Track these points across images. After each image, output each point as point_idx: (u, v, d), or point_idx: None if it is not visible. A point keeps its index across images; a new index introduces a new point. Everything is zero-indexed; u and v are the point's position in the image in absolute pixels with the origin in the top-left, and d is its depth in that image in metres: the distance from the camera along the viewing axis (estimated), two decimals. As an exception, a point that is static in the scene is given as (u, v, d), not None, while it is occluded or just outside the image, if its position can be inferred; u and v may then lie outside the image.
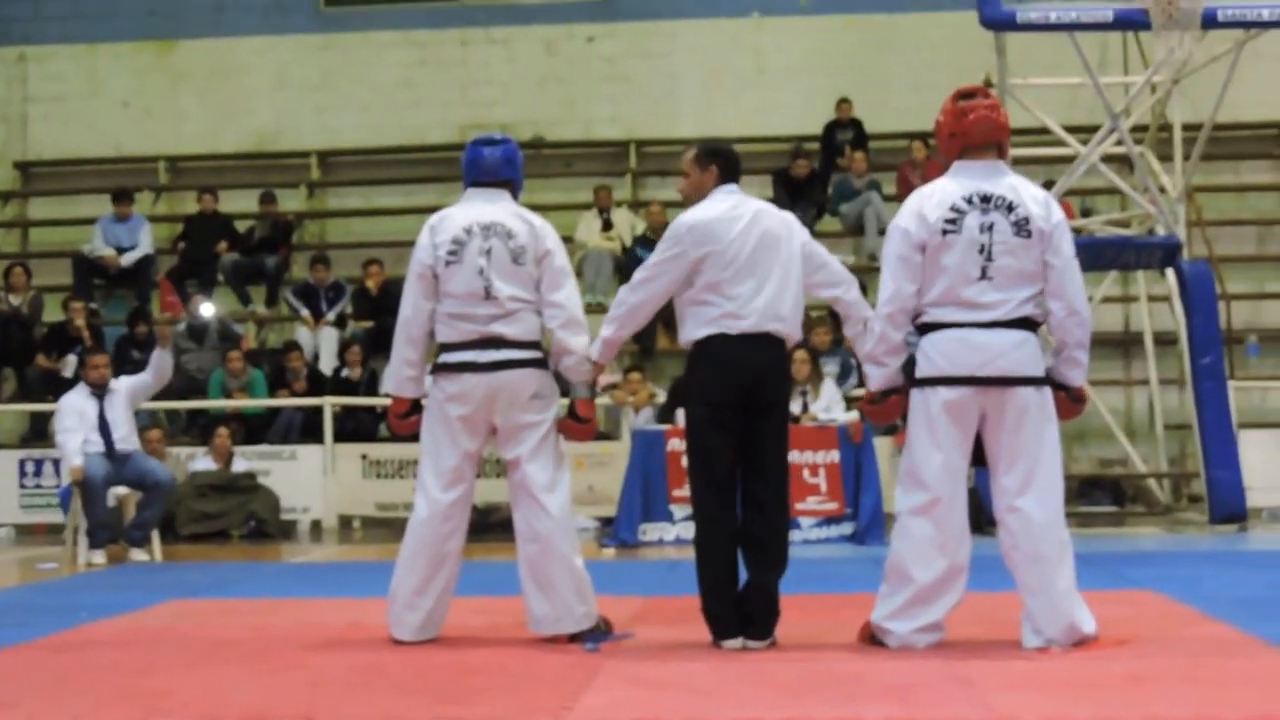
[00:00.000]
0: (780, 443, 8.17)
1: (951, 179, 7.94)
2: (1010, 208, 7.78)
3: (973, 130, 7.95)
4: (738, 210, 8.16)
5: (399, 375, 8.54)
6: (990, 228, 7.74)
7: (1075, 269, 7.89)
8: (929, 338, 7.84)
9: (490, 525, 15.18)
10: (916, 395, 7.89)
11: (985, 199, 7.79)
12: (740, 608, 8.00)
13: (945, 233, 7.75)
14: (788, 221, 8.28)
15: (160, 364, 14.64)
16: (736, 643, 7.94)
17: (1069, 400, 8.00)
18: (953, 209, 7.77)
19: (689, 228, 8.14)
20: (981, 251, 7.73)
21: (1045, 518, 7.79)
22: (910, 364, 7.91)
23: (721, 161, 8.36)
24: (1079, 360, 7.97)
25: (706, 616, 8.02)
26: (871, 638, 8.02)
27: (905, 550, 7.89)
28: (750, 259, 8.03)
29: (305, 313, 20.33)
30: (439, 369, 8.38)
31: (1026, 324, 7.81)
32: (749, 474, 8.09)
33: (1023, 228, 7.76)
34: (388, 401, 16.42)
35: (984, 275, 7.74)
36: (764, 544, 8.02)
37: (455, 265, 8.33)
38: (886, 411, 8.13)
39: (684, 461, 8.42)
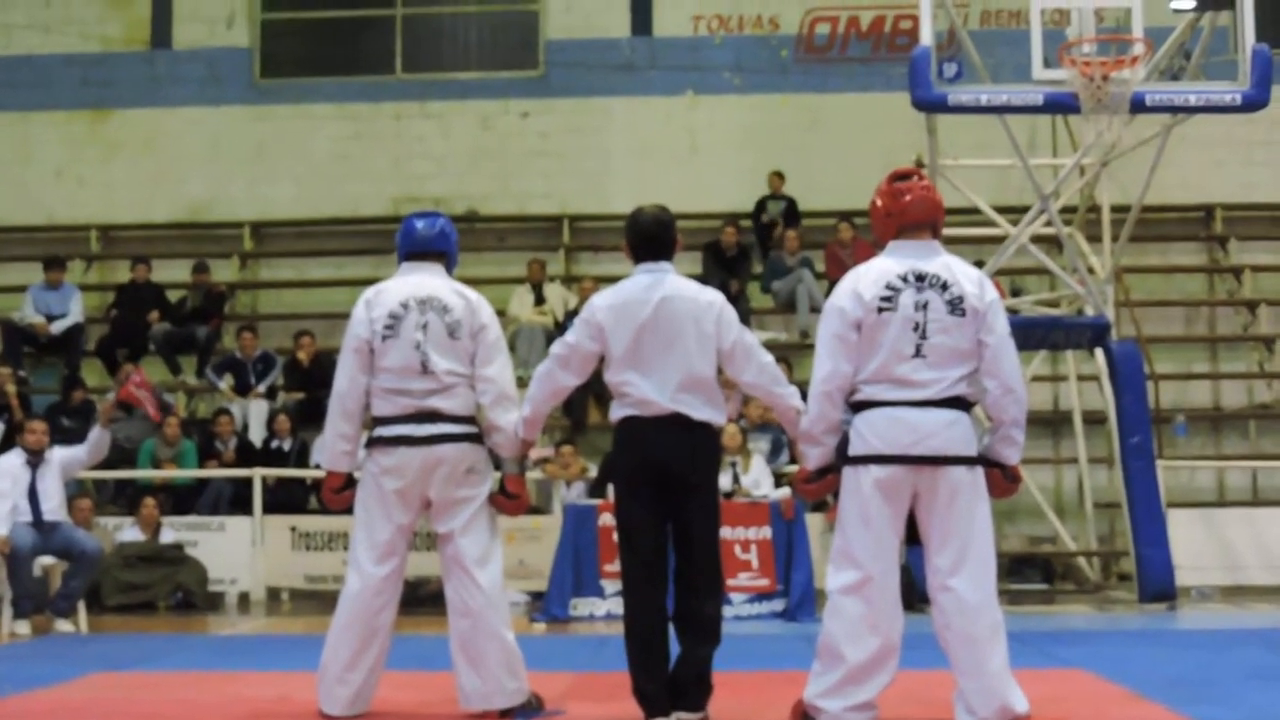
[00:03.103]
0: (707, 523, 8.09)
1: (887, 258, 7.96)
2: (945, 286, 7.81)
3: (910, 209, 7.99)
4: (647, 294, 8.06)
5: (334, 450, 8.46)
6: (925, 306, 7.76)
7: (1010, 347, 7.91)
8: (862, 416, 7.82)
9: (420, 599, 15.11)
10: (849, 473, 7.87)
11: (920, 277, 7.82)
12: (672, 685, 7.94)
13: (881, 310, 7.76)
14: (708, 305, 8.11)
15: (98, 442, 14.53)
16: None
17: (1004, 479, 7.99)
18: (888, 286, 7.79)
19: (595, 310, 8.12)
20: (916, 329, 7.74)
21: (978, 598, 7.77)
22: (843, 442, 7.93)
23: (629, 238, 8.31)
24: (1015, 439, 7.97)
25: (637, 695, 7.96)
26: (804, 716, 7.99)
27: (837, 629, 7.85)
28: (651, 347, 7.97)
29: (222, 385, 20.23)
30: (374, 442, 8.35)
31: (959, 403, 7.81)
32: (680, 554, 8.05)
33: (956, 306, 7.78)
34: (319, 473, 16.35)
35: (918, 353, 7.74)
36: (695, 622, 7.98)
37: (392, 339, 8.31)
38: (821, 490, 8.10)
39: (615, 537, 8.38)
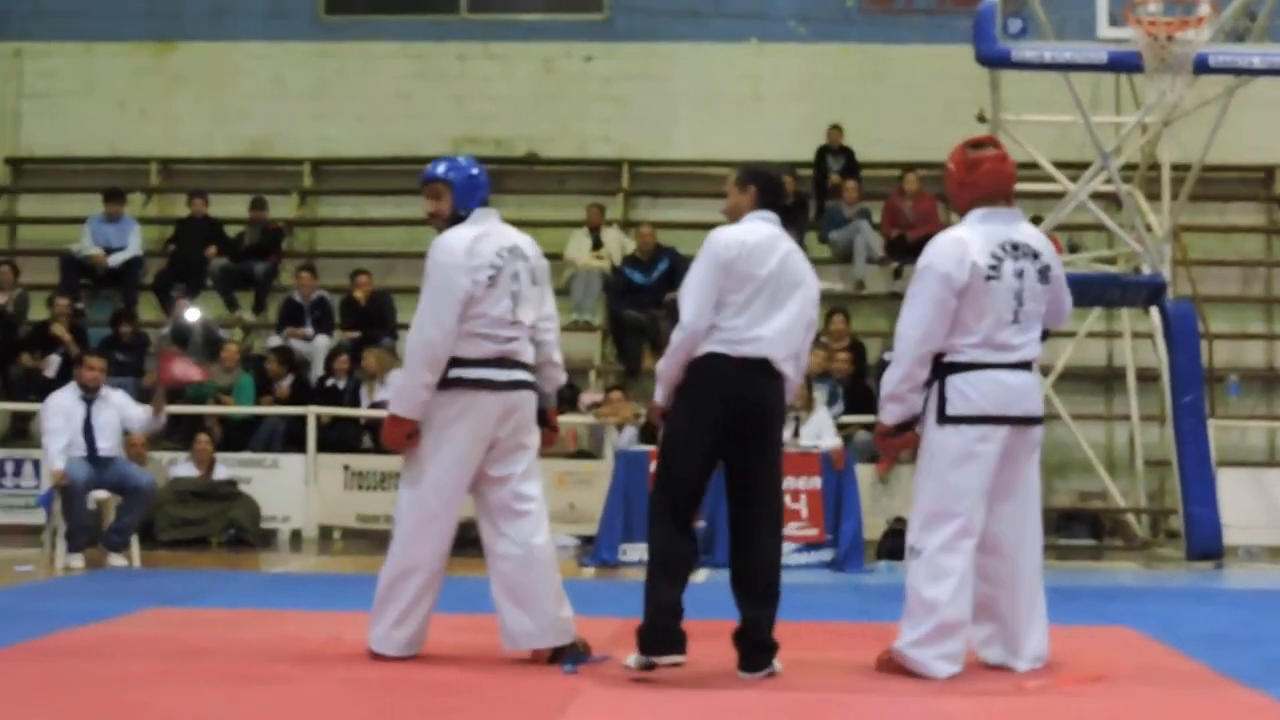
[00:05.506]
0: (776, 476, 8.23)
1: (981, 224, 8.16)
2: (1035, 255, 8.13)
3: (983, 182, 8.22)
4: (775, 243, 8.08)
5: (415, 398, 8.33)
6: (1021, 274, 8.06)
7: None
8: (962, 377, 8.02)
9: (471, 540, 15.20)
10: (945, 432, 8.03)
11: (1015, 246, 8.10)
12: (738, 646, 8.01)
13: (989, 278, 7.98)
14: (813, 275, 8.27)
15: (151, 426, 14.84)
16: (678, 659, 7.88)
17: None
18: (993, 256, 8.02)
19: (727, 245, 8.03)
20: (1015, 297, 8.02)
21: (1036, 547, 8.25)
22: (940, 401, 8.09)
23: (761, 184, 8.32)
24: None
25: (652, 631, 7.89)
26: (895, 665, 8.12)
27: (932, 584, 7.98)
28: (775, 292, 7.98)
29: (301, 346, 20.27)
30: (451, 384, 8.31)
31: (1032, 365, 8.16)
32: (742, 505, 8.10)
33: (1045, 275, 8.14)
34: (373, 414, 16.42)
35: (1015, 319, 8.03)
36: (756, 579, 8.02)
37: (492, 289, 8.31)
38: (903, 444, 8.25)
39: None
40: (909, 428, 8.14)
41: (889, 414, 8.15)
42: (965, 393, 7.99)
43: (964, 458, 7.98)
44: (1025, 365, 8.09)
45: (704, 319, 7.92)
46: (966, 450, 7.97)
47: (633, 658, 7.94)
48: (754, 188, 8.31)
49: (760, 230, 8.12)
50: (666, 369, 8.08)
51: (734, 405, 7.94)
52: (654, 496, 8.15)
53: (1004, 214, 8.20)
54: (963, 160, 8.28)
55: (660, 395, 8.21)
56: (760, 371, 7.97)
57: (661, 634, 7.89)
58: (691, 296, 7.99)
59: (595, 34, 23.29)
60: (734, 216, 8.30)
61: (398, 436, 8.44)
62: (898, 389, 8.07)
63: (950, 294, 7.94)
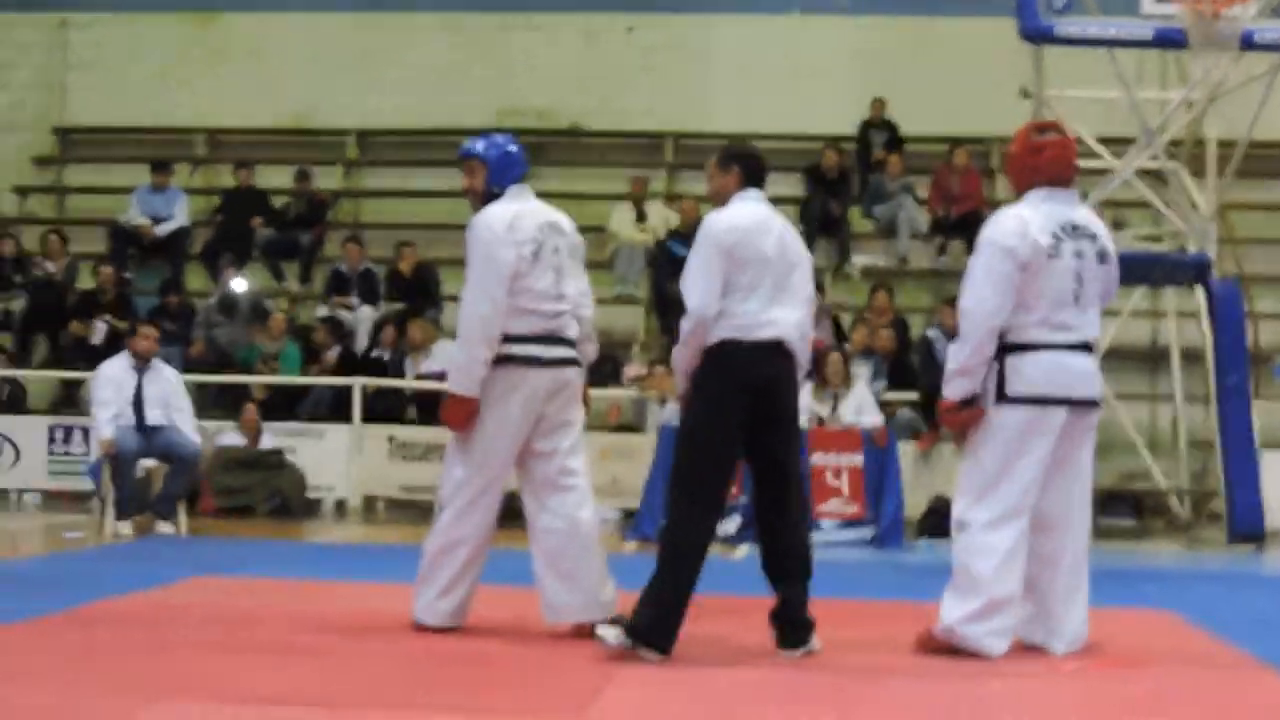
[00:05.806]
0: (796, 454, 8.24)
1: (1043, 204, 8.20)
2: (1093, 237, 8.19)
3: (1045, 167, 8.27)
4: (768, 223, 8.08)
5: (473, 375, 8.35)
6: (1080, 255, 8.11)
7: None
8: (1023, 357, 8.06)
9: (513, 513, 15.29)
10: (1004, 410, 8.06)
11: (1075, 228, 8.15)
12: (776, 625, 8.05)
13: (1050, 257, 8.02)
14: (803, 244, 8.29)
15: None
16: (660, 656, 7.82)
17: None
18: (1053, 235, 8.06)
19: (727, 229, 7.99)
20: (1075, 278, 8.08)
21: (1086, 531, 8.34)
22: (999, 380, 8.09)
23: (744, 164, 8.27)
24: None
25: (645, 621, 7.83)
26: (936, 644, 8.13)
27: (979, 562, 8.01)
28: (777, 273, 7.98)
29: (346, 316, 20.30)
30: (501, 361, 8.34)
31: (1092, 346, 8.25)
32: (773, 486, 8.10)
33: (1104, 256, 8.22)
34: (420, 385, 16.45)
35: (1075, 300, 8.10)
36: (788, 556, 8.06)
37: (536, 263, 8.37)
38: (970, 419, 8.15)
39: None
40: (973, 403, 8.14)
41: (958, 388, 8.13)
42: (1025, 373, 8.03)
43: (1020, 437, 8.02)
44: (1085, 347, 8.16)
45: (712, 305, 7.88)
46: (1023, 429, 8.02)
47: (614, 634, 7.89)
48: (738, 167, 8.27)
49: (752, 211, 8.12)
50: (681, 358, 8.08)
51: (753, 390, 7.93)
52: (675, 486, 8.08)
53: (1063, 195, 8.25)
54: (1027, 144, 8.36)
55: (680, 385, 8.23)
56: (775, 354, 7.98)
57: (653, 628, 7.85)
58: (696, 284, 7.95)
59: (637, 5, 23.25)
60: (721, 199, 8.26)
61: (460, 416, 8.43)
62: (969, 362, 8.08)
63: (1014, 267, 7.98)
